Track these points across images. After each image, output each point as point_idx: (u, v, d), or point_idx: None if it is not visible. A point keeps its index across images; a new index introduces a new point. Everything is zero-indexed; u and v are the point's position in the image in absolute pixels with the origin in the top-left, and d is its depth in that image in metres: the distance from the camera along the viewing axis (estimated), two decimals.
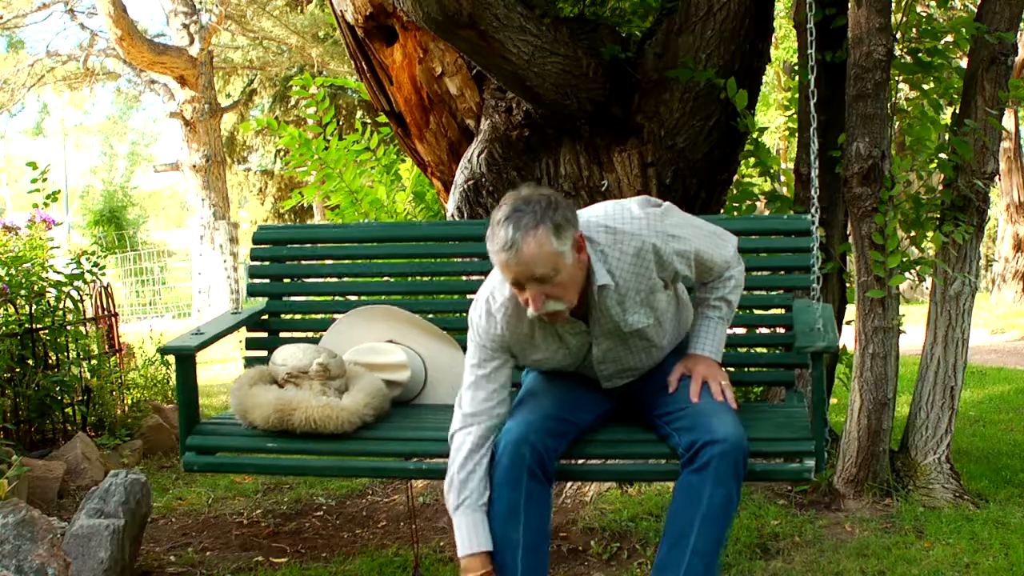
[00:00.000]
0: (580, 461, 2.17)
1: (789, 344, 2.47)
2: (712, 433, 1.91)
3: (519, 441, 1.95)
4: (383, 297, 2.72)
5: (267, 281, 2.72)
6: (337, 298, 2.75)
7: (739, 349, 2.51)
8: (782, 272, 2.54)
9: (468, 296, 2.64)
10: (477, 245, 2.55)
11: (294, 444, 2.19)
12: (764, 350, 2.58)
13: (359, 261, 2.74)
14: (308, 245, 2.78)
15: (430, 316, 2.59)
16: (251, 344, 2.68)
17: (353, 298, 2.71)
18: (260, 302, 2.72)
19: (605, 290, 2.00)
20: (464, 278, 2.73)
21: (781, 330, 2.57)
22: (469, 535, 1.97)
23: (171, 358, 4.98)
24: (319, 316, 2.70)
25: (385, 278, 2.82)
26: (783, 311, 2.52)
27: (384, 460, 2.23)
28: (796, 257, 2.49)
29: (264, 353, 2.61)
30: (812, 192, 2.28)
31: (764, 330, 2.64)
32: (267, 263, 2.73)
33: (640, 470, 2.19)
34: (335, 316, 2.60)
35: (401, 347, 2.48)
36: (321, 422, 2.17)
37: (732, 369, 2.36)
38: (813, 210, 2.29)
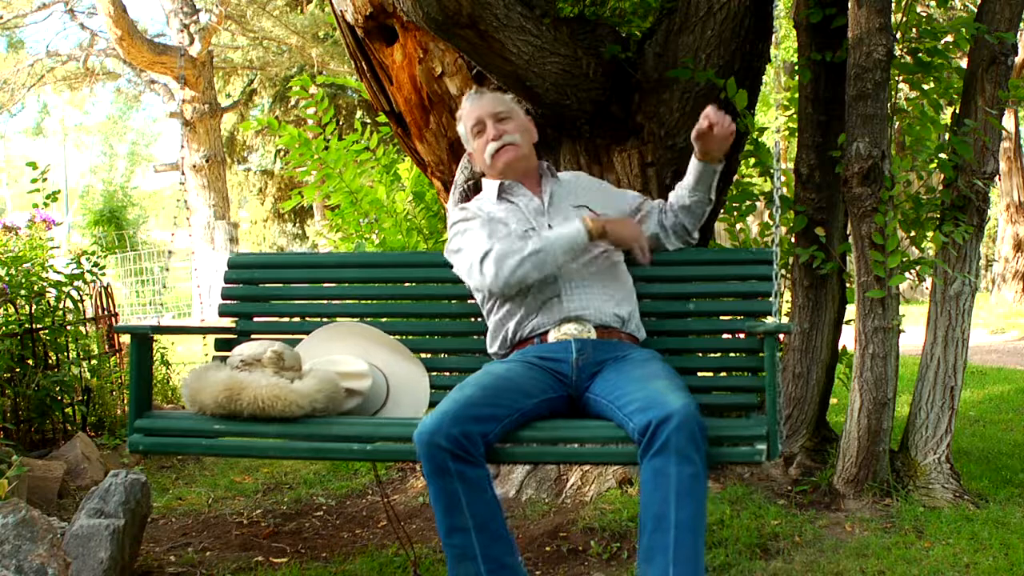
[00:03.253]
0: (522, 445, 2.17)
1: (753, 368, 2.53)
2: (665, 409, 1.92)
3: (432, 432, 1.97)
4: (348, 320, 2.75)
5: (237, 302, 2.80)
6: (306, 319, 2.79)
7: (701, 374, 2.58)
8: (746, 299, 2.62)
9: (435, 319, 2.78)
10: (444, 271, 2.68)
11: (240, 427, 2.21)
12: (728, 374, 2.65)
13: (329, 286, 2.83)
14: (279, 270, 2.86)
15: (397, 340, 2.63)
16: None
17: (321, 320, 2.74)
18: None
19: (552, 175, 2.55)
20: (429, 302, 2.80)
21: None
22: (564, 228, 2.34)
23: (172, 356, 5.00)
24: (287, 337, 2.72)
25: (351, 301, 2.85)
26: (744, 336, 2.57)
27: (329, 443, 2.22)
28: (760, 284, 2.59)
29: None
30: (774, 193, 2.36)
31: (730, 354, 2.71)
32: (239, 286, 2.81)
33: (585, 453, 2.19)
34: (303, 337, 2.63)
35: (362, 360, 2.48)
36: (269, 401, 2.15)
37: (698, 395, 2.38)
38: (774, 209, 2.35)
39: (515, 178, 2.49)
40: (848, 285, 3.62)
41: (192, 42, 13.30)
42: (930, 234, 3.35)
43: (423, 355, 2.63)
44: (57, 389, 3.91)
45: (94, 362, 4.26)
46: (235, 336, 2.73)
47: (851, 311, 3.46)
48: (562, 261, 2.31)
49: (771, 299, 2.47)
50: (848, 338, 3.55)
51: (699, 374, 2.58)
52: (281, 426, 2.19)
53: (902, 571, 2.57)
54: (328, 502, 3.51)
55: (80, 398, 4.09)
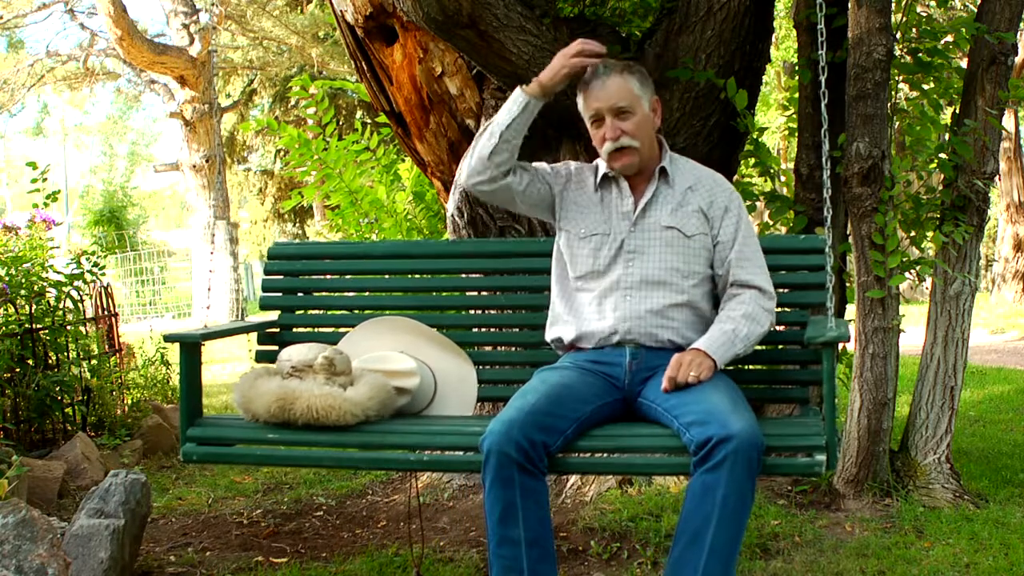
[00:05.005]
0: (579, 455, 2.15)
1: (804, 361, 2.44)
2: (727, 429, 1.88)
3: (503, 440, 1.94)
4: (394, 312, 2.70)
5: (280, 294, 2.74)
6: (348, 312, 2.75)
7: (752, 367, 2.48)
8: (796, 290, 2.50)
9: (482, 312, 2.71)
10: (486, 262, 2.70)
11: (294, 435, 2.18)
12: (779, 367, 2.52)
13: (371, 276, 2.76)
14: (321, 261, 2.79)
15: (441, 331, 2.59)
16: (260, 357, 2.68)
17: (364, 312, 2.70)
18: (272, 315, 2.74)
19: (665, 178, 2.32)
20: (473, 293, 2.76)
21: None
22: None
23: (172, 357, 5.00)
24: (330, 329, 2.69)
25: (396, 293, 2.83)
26: (797, 328, 2.47)
27: (385, 452, 2.20)
28: (811, 275, 2.47)
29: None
30: (825, 194, 2.24)
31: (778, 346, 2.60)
32: (280, 277, 2.75)
33: (642, 463, 2.15)
34: (347, 329, 2.59)
35: (411, 357, 2.46)
36: (323, 411, 2.13)
37: (745, 386, 2.32)
38: (826, 210, 2.26)
39: (627, 174, 2.33)
40: (848, 285, 3.62)
41: (192, 42, 13.30)
42: (930, 234, 3.35)
43: (470, 349, 2.57)
44: (57, 389, 3.91)
45: (94, 362, 4.26)
46: (278, 330, 2.68)
47: (851, 311, 3.46)
48: (503, 121, 2.32)
49: (823, 291, 2.33)
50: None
51: (756, 367, 2.49)
52: (335, 435, 2.17)
53: (902, 571, 2.57)
54: (328, 502, 3.51)
55: (80, 398, 4.09)
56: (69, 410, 4.05)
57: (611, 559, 2.76)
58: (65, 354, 4.10)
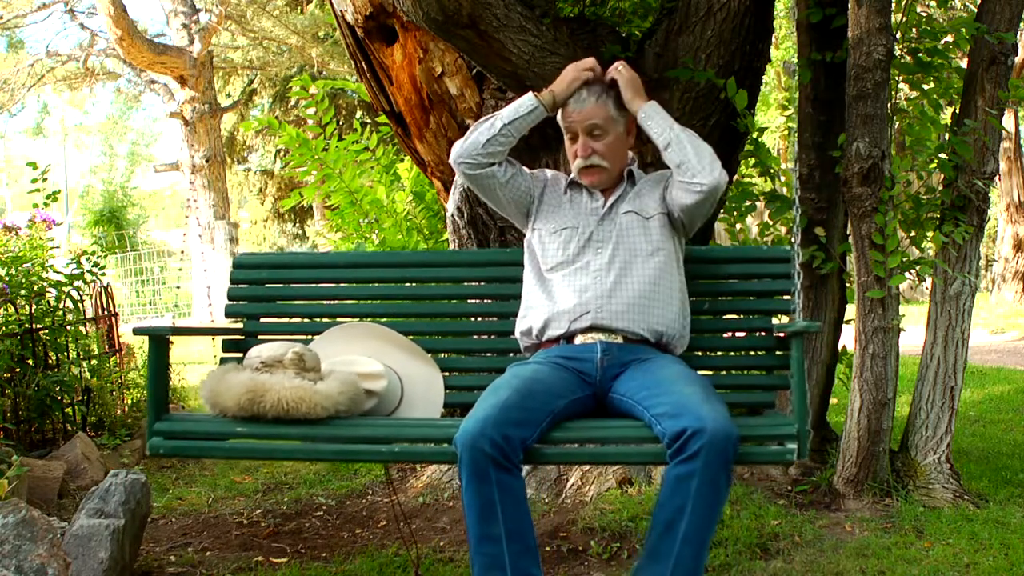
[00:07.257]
0: (554, 446, 2.16)
1: (770, 367, 2.50)
2: (700, 421, 1.91)
3: (476, 436, 1.95)
4: (360, 319, 2.72)
5: (245, 302, 2.75)
6: (314, 320, 2.76)
7: (722, 372, 2.55)
8: (763, 298, 2.58)
9: (447, 319, 2.75)
10: (457, 271, 2.75)
11: (264, 429, 2.17)
12: (746, 372, 2.60)
13: (335, 285, 2.79)
14: (284, 270, 2.81)
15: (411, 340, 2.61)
16: (225, 364, 2.66)
17: (329, 321, 2.71)
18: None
19: (631, 180, 2.48)
20: (440, 302, 2.78)
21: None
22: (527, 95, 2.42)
23: (171, 357, 5.00)
24: (296, 337, 2.68)
25: (360, 301, 2.83)
26: (764, 334, 2.54)
27: (356, 445, 2.19)
28: (777, 283, 2.56)
29: None
30: (801, 193, 2.32)
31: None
32: (245, 286, 2.77)
33: (614, 453, 2.18)
34: (311, 337, 2.60)
35: (378, 362, 2.46)
36: (293, 404, 2.12)
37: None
38: (794, 211, 2.33)
39: (596, 188, 2.48)
40: (848, 285, 3.62)
41: (192, 42, 13.30)
42: (930, 234, 3.35)
43: (436, 355, 2.60)
44: (57, 389, 3.91)
45: (94, 362, 4.26)
46: (243, 337, 2.69)
47: (851, 311, 3.46)
48: (508, 117, 2.41)
49: (791, 297, 2.48)
50: (848, 338, 3.55)
51: (722, 372, 2.55)
52: (305, 428, 2.16)
53: (902, 571, 2.57)
54: (328, 502, 3.51)
55: (80, 398, 4.09)
56: (69, 410, 4.05)
57: (611, 559, 2.76)
58: (65, 354, 4.10)
